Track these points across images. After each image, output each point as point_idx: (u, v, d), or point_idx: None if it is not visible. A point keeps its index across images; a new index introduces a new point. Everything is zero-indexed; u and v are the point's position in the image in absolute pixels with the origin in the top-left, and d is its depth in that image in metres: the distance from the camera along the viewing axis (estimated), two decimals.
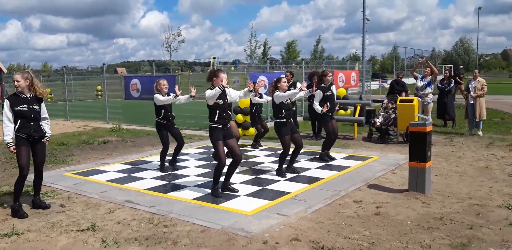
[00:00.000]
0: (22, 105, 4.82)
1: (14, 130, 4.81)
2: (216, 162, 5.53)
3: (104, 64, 15.52)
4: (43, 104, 5.04)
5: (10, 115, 4.79)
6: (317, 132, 10.13)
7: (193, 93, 5.86)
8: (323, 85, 7.51)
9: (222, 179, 5.58)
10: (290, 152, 6.47)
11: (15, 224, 4.59)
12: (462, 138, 9.59)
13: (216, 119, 5.33)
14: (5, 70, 13.88)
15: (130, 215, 4.85)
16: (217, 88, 5.19)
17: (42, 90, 4.98)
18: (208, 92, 5.25)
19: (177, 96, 6.28)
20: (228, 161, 5.50)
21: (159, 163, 7.02)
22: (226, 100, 5.44)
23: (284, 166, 6.52)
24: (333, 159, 7.51)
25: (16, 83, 4.86)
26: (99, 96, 25.16)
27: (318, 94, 7.41)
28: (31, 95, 4.92)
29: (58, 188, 6.06)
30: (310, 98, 9.39)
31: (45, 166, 7.51)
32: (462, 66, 24.25)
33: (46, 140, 5.09)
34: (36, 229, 4.47)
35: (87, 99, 27.15)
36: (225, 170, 5.49)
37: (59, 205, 5.27)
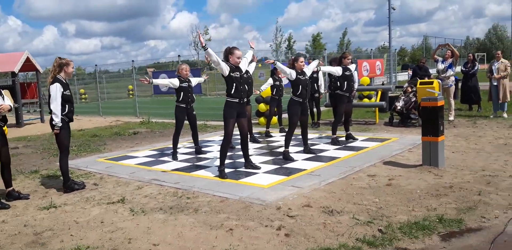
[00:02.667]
0: None
1: None
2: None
3: (133, 61, 16.09)
4: None
5: None
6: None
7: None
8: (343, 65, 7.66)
9: (227, 161, 5.83)
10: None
11: (53, 199, 5.05)
12: (486, 120, 9.54)
13: (232, 92, 5.44)
14: (41, 70, 14.66)
15: (157, 190, 5.24)
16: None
17: None
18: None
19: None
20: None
21: (171, 151, 7.17)
22: (242, 74, 5.58)
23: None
24: (355, 139, 7.81)
25: None
26: (131, 95, 26.03)
27: (338, 68, 7.52)
28: None
29: (91, 171, 6.53)
30: (330, 86, 9.53)
31: (79, 153, 8.12)
32: None
33: None
34: (72, 203, 4.91)
35: (119, 99, 28.16)
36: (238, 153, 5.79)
37: (93, 184, 5.71)
